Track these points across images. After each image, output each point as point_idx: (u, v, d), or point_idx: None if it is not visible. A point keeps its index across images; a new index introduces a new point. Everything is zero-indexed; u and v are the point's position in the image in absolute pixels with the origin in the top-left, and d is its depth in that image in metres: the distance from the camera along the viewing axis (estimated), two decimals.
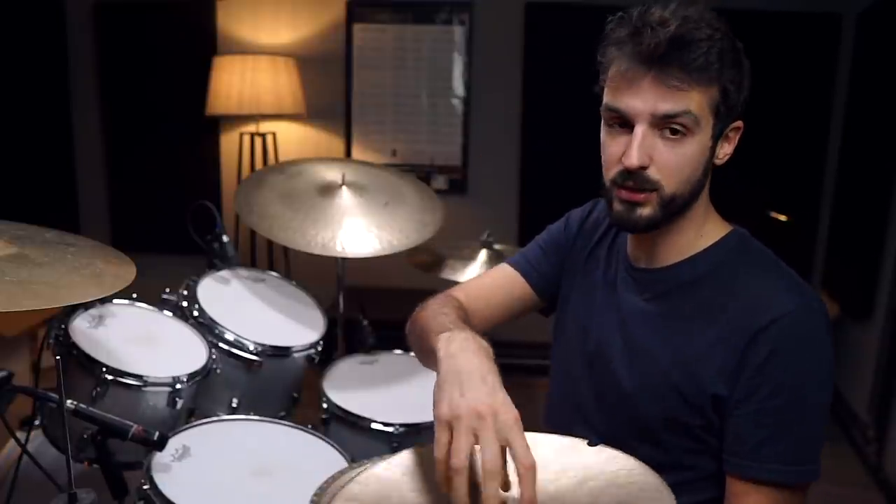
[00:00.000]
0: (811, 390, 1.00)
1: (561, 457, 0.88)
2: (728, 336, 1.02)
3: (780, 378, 0.98)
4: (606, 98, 1.04)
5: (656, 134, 1.00)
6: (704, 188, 1.08)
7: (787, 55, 3.71)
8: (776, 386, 0.98)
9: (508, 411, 0.82)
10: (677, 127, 0.99)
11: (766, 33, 3.66)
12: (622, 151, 1.02)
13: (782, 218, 3.57)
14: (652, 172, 1.01)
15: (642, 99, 0.99)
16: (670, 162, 1.01)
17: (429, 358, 1.07)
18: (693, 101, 0.98)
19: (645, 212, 1.04)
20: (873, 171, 3.35)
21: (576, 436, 0.92)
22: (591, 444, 0.89)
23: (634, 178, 1.02)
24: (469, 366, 0.88)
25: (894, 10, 3.23)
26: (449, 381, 0.87)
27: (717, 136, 1.04)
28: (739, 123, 1.06)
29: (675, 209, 1.05)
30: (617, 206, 1.06)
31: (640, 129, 1.00)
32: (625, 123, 1.02)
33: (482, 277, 1.37)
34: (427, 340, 1.07)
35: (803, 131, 3.88)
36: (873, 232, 3.30)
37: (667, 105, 0.98)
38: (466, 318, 1.16)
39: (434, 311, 1.16)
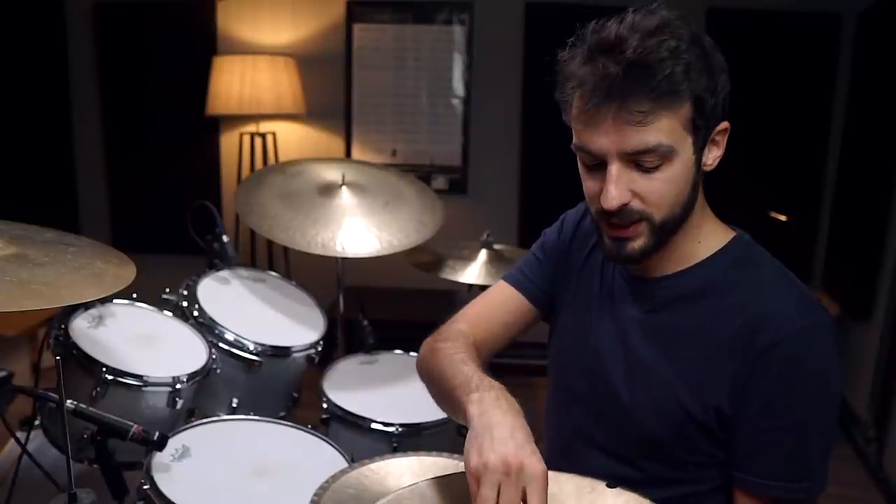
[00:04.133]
0: (823, 406, 0.99)
1: (580, 498, 0.89)
2: (735, 351, 0.99)
3: (792, 397, 0.97)
4: (575, 139, 1.00)
5: (632, 168, 0.96)
6: (697, 199, 1.04)
7: (787, 55, 3.71)
8: (789, 405, 0.97)
9: (533, 465, 0.83)
10: (652, 159, 0.94)
11: (766, 33, 3.66)
12: (600, 189, 0.97)
13: (782, 218, 3.56)
14: (636, 205, 0.97)
15: (609, 138, 0.94)
16: (653, 192, 0.96)
17: (445, 403, 1.08)
18: (663, 131, 0.92)
19: (637, 244, 1.00)
20: (873, 172, 3.35)
21: (595, 476, 0.93)
22: (609, 485, 0.91)
23: (619, 215, 0.98)
24: (499, 422, 0.89)
25: (894, 10, 3.22)
26: (479, 435, 0.88)
27: (701, 147, 0.99)
28: (725, 125, 1.00)
29: (668, 231, 1.01)
30: (607, 242, 1.03)
31: (613, 168, 0.95)
32: (599, 161, 0.98)
33: (482, 300, 1.30)
34: (445, 387, 1.06)
35: (803, 131, 3.88)
36: (873, 232, 3.30)
37: (635, 142, 0.92)
38: (477, 355, 1.12)
39: (447, 354, 1.11)
